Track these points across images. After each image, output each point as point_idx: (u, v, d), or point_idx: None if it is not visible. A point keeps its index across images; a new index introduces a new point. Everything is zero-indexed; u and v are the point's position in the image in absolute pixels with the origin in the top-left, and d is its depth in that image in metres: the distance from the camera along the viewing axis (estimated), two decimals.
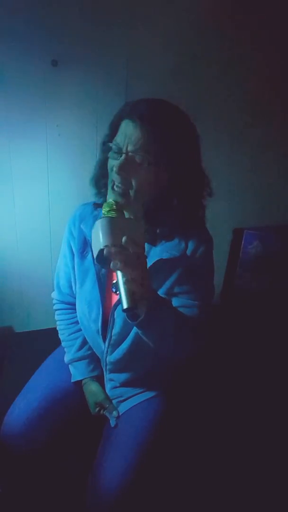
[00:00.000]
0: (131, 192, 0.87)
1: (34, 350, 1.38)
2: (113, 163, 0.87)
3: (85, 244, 1.04)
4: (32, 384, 1.14)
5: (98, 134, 1.56)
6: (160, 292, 0.95)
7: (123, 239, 0.72)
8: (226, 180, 1.85)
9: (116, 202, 0.84)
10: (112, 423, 1.06)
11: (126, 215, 0.91)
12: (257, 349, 1.81)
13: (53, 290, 1.22)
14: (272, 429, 1.47)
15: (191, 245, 0.95)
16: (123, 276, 0.73)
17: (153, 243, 0.96)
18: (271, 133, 1.83)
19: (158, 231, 0.95)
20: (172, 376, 1.17)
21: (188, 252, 0.95)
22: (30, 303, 1.81)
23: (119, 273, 0.74)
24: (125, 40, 1.47)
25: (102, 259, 0.74)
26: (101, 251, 0.73)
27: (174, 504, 1.20)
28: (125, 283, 0.73)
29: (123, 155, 0.85)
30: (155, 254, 0.95)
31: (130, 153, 0.84)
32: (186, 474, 1.27)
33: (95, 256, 0.76)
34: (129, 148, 0.85)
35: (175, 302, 0.96)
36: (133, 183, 0.86)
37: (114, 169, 0.86)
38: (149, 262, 0.92)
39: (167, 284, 0.96)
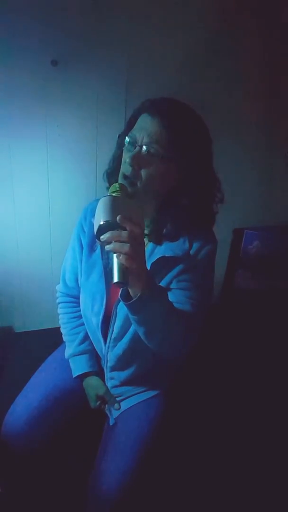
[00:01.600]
0: (139, 184, 0.88)
1: (34, 350, 1.39)
2: (126, 155, 0.89)
3: (94, 238, 1.05)
4: (32, 384, 1.14)
5: (98, 134, 1.56)
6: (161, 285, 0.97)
7: (118, 217, 0.73)
8: (226, 180, 1.84)
9: (122, 185, 0.85)
10: (111, 420, 1.06)
11: None
12: (257, 349, 1.81)
13: (55, 288, 1.23)
14: (272, 428, 1.47)
15: (195, 246, 0.96)
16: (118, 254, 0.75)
17: (158, 243, 0.97)
18: (271, 133, 1.83)
19: (164, 231, 0.96)
20: (172, 375, 1.17)
21: (192, 252, 0.96)
22: (30, 303, 1.81)
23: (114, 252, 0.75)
24: (125, 40, 1.47)
25: (101, 235, 0.76)
26: (100, 226, 0.74)
27: (174, 503, 1.20)
28: (117, 257, 0.74)
29: (137, 147, 0.87)
30: (159, 251, 0.96)
31: (144, 146, 0.86)
32: (186, 474, 1.27)
33: (95, 231, 0.77)
34: (144, 141, 0.86)
35: (170, 297, 0.95)
36: (143, 174, 0.88)
37: (127, 160, 0.87)
38: (152, 260, 0.95)
39: (166, 279, 0.97)
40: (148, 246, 0.99)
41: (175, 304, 0.95)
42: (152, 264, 0.95)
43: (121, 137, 0.94)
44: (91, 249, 1.07)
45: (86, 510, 0.97)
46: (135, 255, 0.73)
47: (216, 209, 1.00)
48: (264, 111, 1.77)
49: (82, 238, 1.09)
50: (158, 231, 0.96)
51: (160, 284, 0.97)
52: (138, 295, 0.79)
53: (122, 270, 0.74)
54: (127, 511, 0.97)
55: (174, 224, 0.95)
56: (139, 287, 0.79)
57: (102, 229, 0.75)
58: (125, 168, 0.89)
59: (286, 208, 2.04)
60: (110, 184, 1.02)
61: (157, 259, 0.94)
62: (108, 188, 1.03)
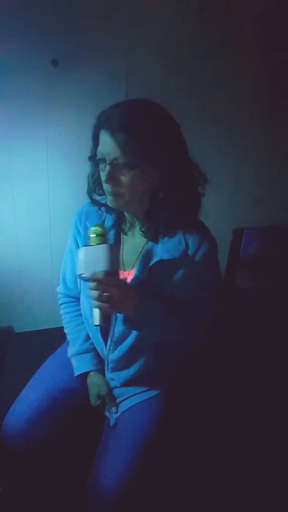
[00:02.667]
0: (125, 196, 0.92)
1: (34, 350, 1.39)
2: (102, 174, 0.92)
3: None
4: (33, 384, 1.14)
5: None
6: (163, 292, 0.98)
7: (88, 274, 0.86)
8: (227, 180, 1.85)
9: (102, 227, 0.91)
10: (112, 421, 1.06)
11: (130, 223, 1.02)
12: (257, 349, 1.81)
13: (56, 287, 1.24)
14: (273, 428, 1.47)
15: (191, 246, 0.96)
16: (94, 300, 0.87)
17: (154, 240, 0.98)
18: (271, 133, 1.83)
19: (157, 228, 0.97)
20: (173, 376, 1.17)
21: (190, 252, 0.96)
22: (30, 303, 1.80)
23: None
24: (126, 40, 1.47)
25: (82, 279, 0.91)
26: (78, 275, 0.90)
27: (173, 503, 1.20)
28: (96, 306, 0.87)
29: (108, 166, 0.89)
30: (156, 253, 0.97)
31: (113, 162, 0.88)
32: (185, 474, 1.27)
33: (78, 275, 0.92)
34: (111, 157, 0.88)
35: (184, 304, 0.99)
36: (123, 188, 0.91)
37: (103, 179, 0.91)
38: (150, 262, 0.96)
39: (169, 284, 0.97)
40: (145, 247, 1.00)
41: (189, 311, 0.99)
42: (150, 267, 0.95)
43: (91, 155, 0.97)
44: None
45: (85, 510, 0.98)
46: (104, 300, 0.86)
47: (202, 191, 1.00)
48: (264, 111, 1.77)
49: (78, 240, 1.10)
50: (152, 228, 0.97)
51: (164, 288, 0.97)
52: (130, 320, 0.93)
53: (100, 314, 0.87)
54: (127, 511, 0.97)
55: (165, 216, 0.95)
56: (129, 314, 0.93)
57: (81, 277, 0.90)
58: (106, 186, 0.93)
59: (286, 208, 2.04)
60: (92, 200, 1.06)
61: (155, 262, 0.95)
62: (91, 203, 1.08)
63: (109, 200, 0.96)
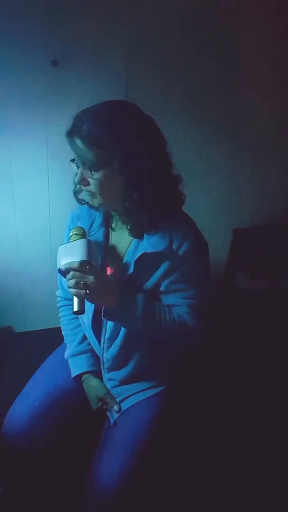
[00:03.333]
0: (101, 196, 0.95)
1: (34, 350, 1.39)
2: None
3: None
4: (33, 383, 1.15)
5: None
6: (147, 286, 0.98)
7: (63, 264, 0.90)
8: (226, 180, 1.85)
9: (79, 228, 0.98)
10: (112, 421, 1.06)
11: (117, 220, 1.04)
12: (257, 349, 1.81)
13: (55, 289, 1.24)
14: (272, 428, 1.47)
15: (176, 240, 0.96)
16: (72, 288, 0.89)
17: (139, 237, 0.99)
18: (271, 133, 1.83)
19: (138, 224, 0.97)
20: (172, 374, 1.17)
21: (174, 246, 0.96)
22: (30, 303, 1.81)
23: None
24: (125, 40, 1.47)
25: (63, 274, 0.94)
26: (58, 270, 0.95)
27: (172, 503, 1.20)
28: (73, 294, 0.89)
29: (79, 169, 0.94)
30: (141, 248, 0.97)
31: (82, 166, 0.93)
32: (185, 473, 1.27)
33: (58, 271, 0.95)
34: (77, 161, 0.94)
35: (168, 300, 1.00)
36: (96, 190, 0.93)
37: (76, 181, 0.97)
38: (135, 256, 0.97)
39: (153, 278, 0.98)
40: (132, 243, 1.01)
41: (174, 307, 1.00)
42: (135, 262, 0.96)
43: (72, 159, 1.00)
44: None
45: (84, 508, 0.98)
46: (80, 287, 0.88)
47: (183, 189, 1.00)
48: (263, 111, 1.77)
49: None
50: (134, 225, 0.98)
51: (148, 283, 0.98)
52: (110, 312, 0.95)
53: (78, 301, 0.89)
54: (125, 510, 0.97)
55: (144, 215, 0.96)
56: (110, 305, 0.95)
57: (60, 273, 0.95)
58: (81, 187, 0.98)
59: (286, 208, 2.04)
60: (77, 200, 1.08)
61: (139, 256, 0.95)
62: (78, 202, 1.09)
63: (89, 201, 0.99)
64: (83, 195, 1.01)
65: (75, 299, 0.89)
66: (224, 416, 1.48)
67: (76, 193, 1.05)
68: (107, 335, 1.03)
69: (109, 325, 1.02)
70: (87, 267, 0.89)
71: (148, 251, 0.95)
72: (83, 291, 0.88)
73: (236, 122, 1.76)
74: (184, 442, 1.32)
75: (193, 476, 1.28)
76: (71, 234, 0.97)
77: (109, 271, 1.05)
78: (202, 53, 1.59)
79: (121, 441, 1.01)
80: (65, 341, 1.21)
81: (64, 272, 0.92)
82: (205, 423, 1.42)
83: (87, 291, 0.88)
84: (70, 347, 1.17)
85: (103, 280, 0.93)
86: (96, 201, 0.97)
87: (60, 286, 1.21)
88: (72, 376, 1.13)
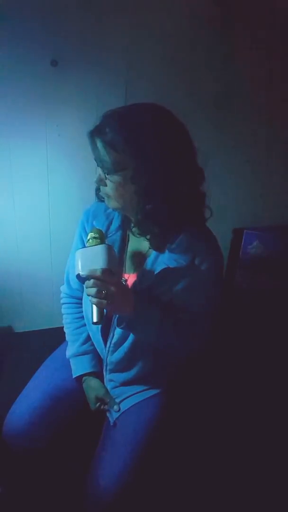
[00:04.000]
0: (117, 200, 0.94)
1: (34, 350, 1.39)
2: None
3: None
4: (33, 383, 1.14)
5: None
6: (164, 298, 0.97)
7: (86, 271, 0.86)
8: (226, 180, 1.85)
9: (98, 230, 0.94)
10: (111, 421, 1.06)
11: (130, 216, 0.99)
12: (257, 349, 1.81)
13: (55, 290, 1.22)
14: (272, 428, 1.47)
15: (199, 256, 0.95)
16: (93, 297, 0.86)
17: (160, 250, 0.96)
18: (271, 133, 1.83)
19: (157, 236, 0.94)
20: (172, 375, 1.17)
21: (197, 262, 0.95)
22: (30, 303, 1.80)
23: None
24: (126, 40, 1.47)
25: (81, 279, 0.91)
26: (77, 276, 0.90)
27: (172, 503, 1.20)
28: (94, 303, 0.86)
29: (98, 168, 0.93)
30: (162, 261, 0.95)
31: (100, 167, 0.92)
32: (184, 474, 1.27)
33: (75, 276, 0.92)
34: (98, 163, 0.92)
35: (179, 310, 0.99)
36: (113, 193, 0.92)
37: (95, 181, 0.96)
38: (156, 270, 0.95)
39: (172, 291, 0.96)
40: (151, 254, 0.98)
41: (184, 318, 0.99)
42: (156, 275, 0.95)
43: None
44: None
45: (84, 509, 0.98)
46: (102, 297, 0.85)
47: (204, 191, 0.96)
48: (264, 111, 1.77)
49: (84, 239, 1.08)
50: (152, 237, 0.95)
51: (166, 294, 0.97)
52: (126, 321, 0.93)
53: (98, 311, 0.86)
54: (125, 510, 0.97)
55: (155, 228, 0.93)
56: (125, 314, 0.92)
57: (78, 278, 0.91)
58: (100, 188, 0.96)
59: (286, 208, 2.04)
60: (99, 199, 1.06)
61: (161, 269, 0.94)
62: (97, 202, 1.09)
63: (105, 201, 0.98)
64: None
65: (95, 309, 0.86)
66: (224, 416, 1.48)
67: (96, 190, 1.04)
68: (114, 340, 1.03)
69: (118, 330, 1.01)
70: (110, 276, 0.87)
71: (171, 265, 0.94)
72: (104, 301, 0.85)
73: (236, 122, 1.76)
74: (184, 442, 1.32)
75: (193, 476, 1.28)
76: (89, 237, 0.93)
77: (124, 276, 1.03)
78: (203, 54, 1.59)
79: (121, 441, 1.01)
80: (67, 339, 1.20)
81: (83, 279, 0.89)
82: (205, 423, 1.42)
83: (107, 301, 0.85)
84: (73, 346, 1.16)
85: (123, 290, 0.92)
86: (111, 204, 0.96)
87: (66, 283, 1.19)
88: (74, 376, 1.13)
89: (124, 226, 1.03)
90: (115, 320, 1.01)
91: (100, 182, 0.93)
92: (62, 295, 1.23)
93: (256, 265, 2.00)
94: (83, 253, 0.90)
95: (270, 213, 2.02)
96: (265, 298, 2.03)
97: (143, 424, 1.04)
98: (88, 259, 0.88)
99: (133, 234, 0.99)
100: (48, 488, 1.16)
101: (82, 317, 1.17)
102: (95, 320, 0.86)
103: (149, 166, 0.86)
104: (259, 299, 2.03)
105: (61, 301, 1.23)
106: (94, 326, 1.05)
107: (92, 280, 0.85)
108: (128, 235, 1.04)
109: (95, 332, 1.07)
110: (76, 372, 1.13)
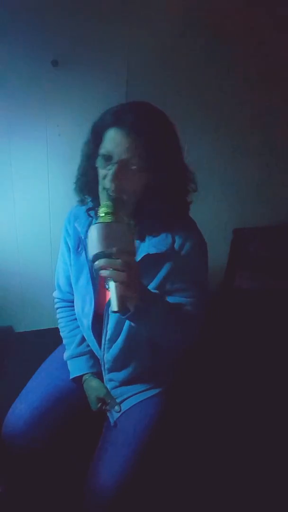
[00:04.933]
0: (125, 197, 0.90)
1: (34, 350, 1.39)
2: (104, 172, 0.89)
3: (79, 242, 1.07)
4: (33, 383, 1.15)
5: None
6: (150, 287, 0.97)
7: (114, 249, 0.76)
8: (226, 180, 1.85)
9: (113, 204, 0.85)
10: (112, 421, 1.06)
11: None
12: (257, 349, 1.81)
13: (54, 290, 1.23)
14: (272, 428, 1.47)
15: (178, 240, 0.96)
16: (113, 281, 0.77)
17: (141, 239, 0.98)
18: (271, 133, 1.83)
19: (144, 226, 0.97)
20: (172, 375, 1.17)
21: (176, 246, 0.96)
22: (30, 303, 1.81)
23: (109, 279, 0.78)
24: (125, 40, 1.47)
25: (98, 258, 0.78)
26: (95, 255, 0.77)
27: (171, 503, 1.20)
28: (114, 287, 0.77)
29: (115, 164, 0.87)
30: (143, 249, 0.96)
31: (122, 161, 0.86)
32: (185, 473, 1.27)
33: (89, 259, 0.80)
34: (122, 156, 0.86)
35: (169, 299, 0.98)
36: (126, 188, 0.89)
37: (108, 177, 0.88)
38: (138, 258, 0.94)
39: (157, 279, 0.97)
40: None
41: (173, 305, 0.97)
42: (138, 263, 0.93)
43: (89, 151, 0.95)
44: (78, 253, 1.08)
45: (84, 509, 0.98)
46: (131, 283, 0.77)
47: (190, 199, 1.00)
48: (263, 111, 1.77)
49: (68, 242, 1.10)
50: (139, 227, 0.97)
51: (152, 284, 0.97)
52: (133, 309, 0.83)
53: (120, 299, 0.77)
54: (125, 510, 0.97)
55: (153, 217, 0.96)
56: (134, 301, 0.83)
57: (97, 257, 0.77)
58: (107, 184, 0.88)
59: (286, 208, 2.04)
60: (80, 196, 1.03)
61: (142, 257, 0.94)
62: (79, 202, 1.05)
63: (104, 199, 0.93)
64: (103, 199, 0.92)
65: (115, 296, 0.76)
66: (225, 415, 1.48)
67: (81, 191, 1.03)
68: (108, 336, 1.03)
69: (110, 326, 1.01)
70: (134, 260, 0.82)
71: (151, 252, 0.94)
72: (125, 287, 0.77)
73: (236, 123, 1.76)
74: (185, 442, 1.32)
75: (193, 476, 1.28)
76: (103, 212, 0.83)
77: None
78: (203, 54, 1.59)
79: (122, 441, 1.01)
80: (64, 343, 1.20)
81: (106, 254, 0.77)
82: (205, 423, 1.42)
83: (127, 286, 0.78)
84: (69, 349, 1.16)
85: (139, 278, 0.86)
86: (118, 201, 0.89)
87: (57, 287, 1.20)
88: (71, 377, 1.13)
89: None
90: (107, 316, 1.01)
91: (118, 180, 0.87)
92: (55, 300, 1.23)
93: (256, 265, 2.00)
94: (105, 228, 0.79)
95: (270, 213, 2.02)
96: (265, 298, 2.03)
97: (143, 424, 1.04)
98: (112, 236, 0.78)
99: None
100: (48, 488, 1.16)
101: (76, 319, 1.16)
102: (115, 308, 0.76)
103: (165, 161, 0.89)
104: (259, 299, 2.03)
105: (55, 306, 1.24)
106: (86, 326, 1.06)
107: (119, 261, 0.76)
108: None
109: (88, 332, 1.08)
110: (73, 373, 1.13)
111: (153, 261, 0.95)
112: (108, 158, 0.88)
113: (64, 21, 1.38)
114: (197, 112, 1.65)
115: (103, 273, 0.77)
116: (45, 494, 1.15)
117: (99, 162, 0.91)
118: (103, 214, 0.83)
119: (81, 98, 1.50)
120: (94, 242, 0.77)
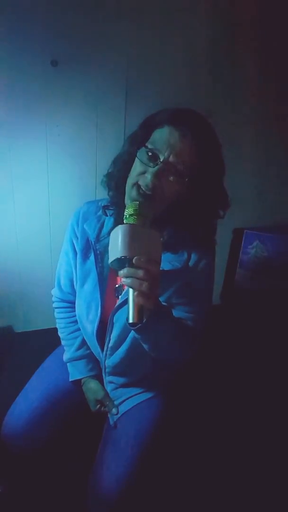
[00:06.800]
0: (156, 199, 0.84)
1: (34, 350, 1.38)
2: (144, 168, 0.84)
3: (88, 245, 1.03)
4: (33, 384, 1.14)
5: (98, 134, 1.56)
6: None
7: (143, 259, 0.70)
8: (226, 180, 1.84)
9: (141, 204, 0.78)
10: (111, 422, 1.06)
11: None
12: (257, 349, 1.81)
13: (53, 288, 1.21)
14: (272, 429, 1.47)
15: (194, 257, 0.93)
16: (134, 291, 0.72)
17: None
18: (271, 133, 1.83)
19: (162, 239, 0.92)
20: (172, 376, 1.17)
21: (191, 263, 0.94)
22: (30, 303, 1.80)
23: (130, 288, 0.73)
24: (126, 40, 1.47)
25: (116, 265, 0.72)
26: (117, 259, 0.71)
27: (173, 504, 1.20)
28: (135, 297, 0.72)
29: (161, 164, 0.82)
30: None
31: (169, 163, 0.82)
32: (185, 474, 1.27)
33: (110, 261, 0.73)
34: (171, 158, 0.82)
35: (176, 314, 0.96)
36: (161, 192, 0.84)
37: (148, 175, 0.83)
38: None
39: (167, 294, 0.95)
40: None
41: (177, 320, 0.95)
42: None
43: (134, 144, 0.89)
44: (85, 256, 1.03)
45: (86, 510, 0.98)
46: (151, 294, 0.71)
47: (215, 225, 0.97)
48: (263, 111, 1.77)
49: (75, 244, 1.06)
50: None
51: (161, 298, 0.94)
52: (145, 320, 0.77)
53: (138, 310, 0.72)
54: (127, 511, 0.97)
55: (173, 233, 0.93)
56: (148, 313, 0.78)
57: (119, 262, 0.71)
58: (144, 182, 0.84)
59: (286, 208, 2.04)
60: (109, 187, 0.97)
61: None
62: (107, 191, 0.99)
63: (133, 194, 0.85)
64: (132, 193, 0.85)
65: (132, 306, 0.72)
66: (225, 415, 1.48)
67: (110, 179, 0.96)
68: (111, 344, 1.02)
69: (114, 334, 1.00)
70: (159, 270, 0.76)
71: (166, 268, 0.91)
72: (147, 298, 0.72)
73: (236, 123, 1.76)
74: (185, 443, 1.32)
75: (194, 476, 1.28)
76: (131, 211, 0.76)
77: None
78: (203, 55, 1.59)
79: (123, 443, 1.01)
80: (62, 344, 1.19)
81: (121, 264, 0.71)
82: (205, 423, 1.42)
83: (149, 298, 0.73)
84: (68, 351, 1.15)
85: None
86: (145, 203, 0.82)
87: (58, 286, 1.17)
88: (71, 380, 1.12)
89: None
90: (110, 325, 1.00)
91: (158, 181, 0.82)
92: (53, 299, 1.21)
93: (256, 265, 2.00)
94: (135, 232, 0.71)
95: (270, 213, 2.02)
96: (265, 298, 2.03)
97: (144, 425, 1.03)
98: (143, 243, 0.70)
99: None
100: (48, 488, 1.16)
101: (76, 321, 1.15)
102: (132, 320, 0.71)
103: (208, 177, 0.87)
104: (259, 299, 2.03)
105: (53, 305, 1.21)
106: (89, 331, 1.04)
107: (142, 271, 0.70)
108: None
109: (91, 337, 1.06)
110: (73, 376, 1.13)
111: (165, 277, 0.91)
112: (153, 156, 0.83)
113: (64, 21, 1.38)
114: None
115: (125, 281, 0.72)
116: (45, 494, 1.15)
117: (142, 156, 0.85)
118: (132, 213, 0.75)
119: (81, 98, 1.50)
120: (119, 244, 0.70)
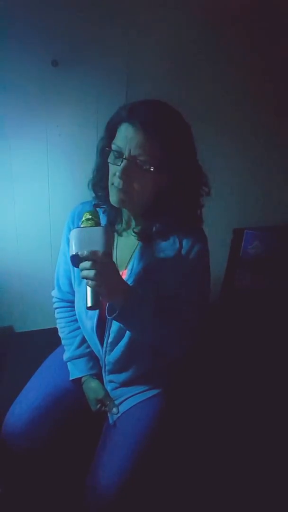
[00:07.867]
0: (133, 194, 0.89)
1: (34, 350, 1.38)
2: (115, 168, 0.89)
3: None
4: (33, 383, 1.14)
5: (98, 134, 1.54)
6: (153, 291, 0.97)
7: (86, 252, 0.81)
8: (226, 180, 1.85)
9: (93, 212, 0.90)
10: (111, 420, 1.06)
11: (124, 224, 1.01)
12: (257, 349, 1.81)
13: (53, 289, 1.22)
14: (272, 428, 1.47)
15: (185, 245, 0.95)
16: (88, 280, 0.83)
17: (148, 242, 0.97)
18: (271, 134, 1.83)
19: (154, 229, 0.96)
20: (172, 375, 1.17)
21: (183, 252, 0.95)
22: (30, 303, 1.81)
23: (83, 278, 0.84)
24: (125, 40, 1.47)
25: (75, 263, 0.85)
26: (71, 256, 0.85)
27: (172, 503, 1.20)
28: (88, 285, 0.83)
29: (125, 160, 0.86)
30: (149, 253, 0.96)
31: (132, 158, 0.85)
32: (185, 473, 1.27)
33: (69, 259, 0.87)
34: (132, 153, 0.85)
35: (170, 303, 0.98)
36: (135, 186, 0.88)
37: (117, 173, 0.87)
38: (144, 262, 0.95)
39: (160, 283, 0.96)
40: (138, 247, 0.99)
41: (172, 310, 0.97)
42: (144, 267, 0.95)
43: (102, 146, 0.95)
44: None
45: (85, 509, 0.98)
46: (100, 280, 0.81)
47: (202, 203, 0.98)
48: (263, 111, 1.77)
49: None
50: (147, 230, 0.96)
51: (154, 287, 0.96)
52: (118, 309, 0.86)
53: (94, 295, 0.84)
54: (125, 510, 0.97)
55: (164, 222, 0.95)
56: (118, 301, 0.87)
57: (73, 258, 0.85)
58: (116, 181, 0.88)
59: (286, 208, 2.04)
60: (96, 194, 1.04)
61: (149, 262, 0.94)
62: (94, 198, 1.06)
63: (114, 196, 0.91)
64: (111, 194, 0.92)
65: (90, 293, 0.84)
66: (224, 414, 1.48)
67: (95, 186, 1.02)
68: (110, 339, 1.02)
69: (113, 329, 1.01)
70: (108, 259, 0.84)
71: (159, 256, 0.93)
72: (101, 285, 0.82)
73: (236, 122, 1.76)
74: (184, 442, 1.32)
75: (193, 476, 1.28)
76: (84, 218, 0.89)
77: None
78: (203, 54, 1.59)
79: (121, 442, 1.01)
80: (62, 344, 1.20)
81: (77, 260, 0.83)
82: (205, 423, 1.42)
83: (103, 285, 0.82)
84: (68, 350, 1.16)
85: (118, 275, 0.89)
86: (125, 199, 0.90)
87: (57, 287, 1.19)
88: (71, 379, 1.13)
89: (111, 225, 1.04)
90: (110, 320, 1.00)
91: (126, 177, 0.86)
92: (54, 299, 1.22)
93: (256, 265, 2.00)
94: (81, 233, 0.85)
95: (270, 213, 2.02)
96: (265, 298, 2.03)
97: (143, 424, 1.04)
98: (86, 239, 0.83)
99: (119, 234, 1.02)
100: (48, 488, 1.16)
101: (76, 320, 1.16)
102: (90, 304, 0.84)
103: (178, 161, 0.88)
104: (259, 299, 2.03)
105: (54, 306, 1.23)
106: (89, 328, 1.06)
107: (90, 262, 0.81)
108: (116, 234, 1.04)
109: (91, 334, 1.07)
110: (73, 375, 1.13)
111: (159, 266, 0.95)
112: (118, 154, 0.87)
113: (64, 21, 1.38)
114: (197, 112, 1.65)
115: (81, 274, 0.82)
116: (45, 494, 1.15)
117: (111, 158, 0.90)
118: (89, 217, 0.88)
119: (81, 98, 1.50)
120: (71, 245, 0.85)
